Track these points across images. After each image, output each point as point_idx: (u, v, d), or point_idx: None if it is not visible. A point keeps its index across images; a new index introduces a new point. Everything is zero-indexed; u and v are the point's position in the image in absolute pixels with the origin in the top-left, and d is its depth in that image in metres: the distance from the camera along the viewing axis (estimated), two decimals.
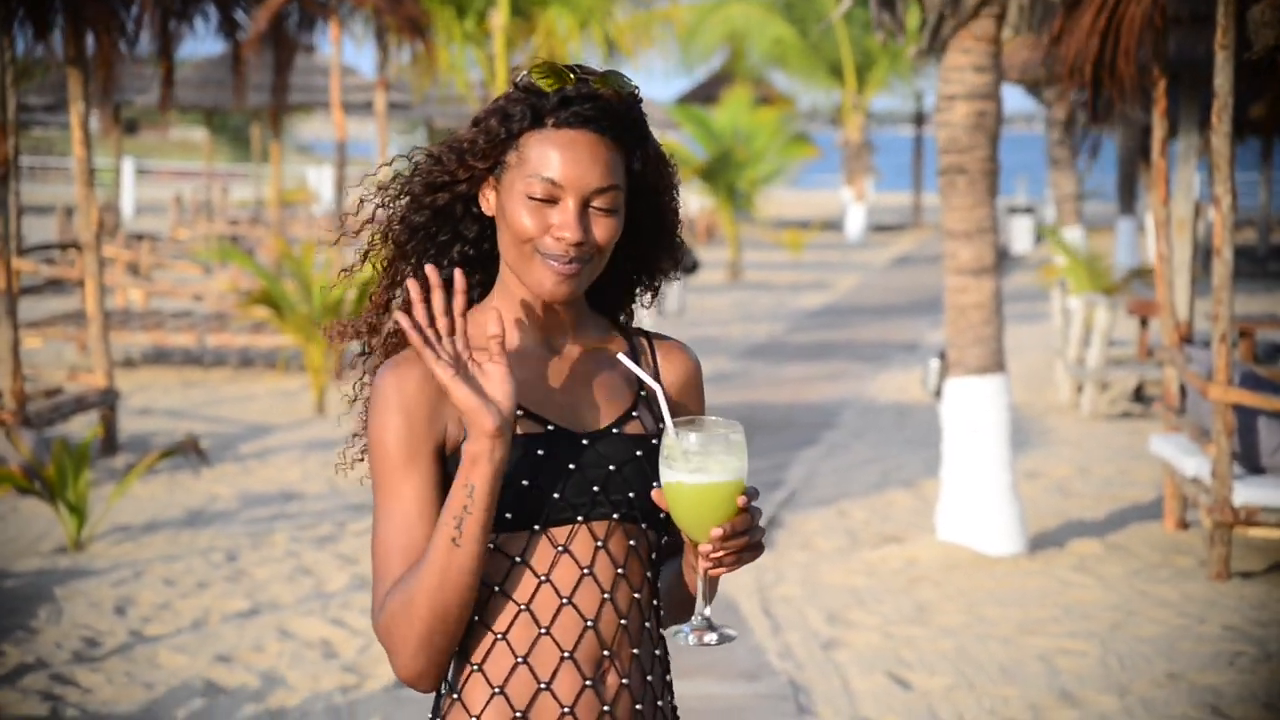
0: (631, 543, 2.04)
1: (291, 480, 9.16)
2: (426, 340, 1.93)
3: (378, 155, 18.64)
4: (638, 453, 2.04)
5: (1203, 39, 7.55)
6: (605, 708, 2.01)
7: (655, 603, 2.09)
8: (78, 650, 5.98)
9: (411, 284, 1.97)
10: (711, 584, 2.01)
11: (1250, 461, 7.18)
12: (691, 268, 18.81)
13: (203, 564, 7.25)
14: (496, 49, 18.00)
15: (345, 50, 20.71)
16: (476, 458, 1.92)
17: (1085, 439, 10.51)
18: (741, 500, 1.92)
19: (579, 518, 2.01)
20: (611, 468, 2.03)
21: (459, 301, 1.96)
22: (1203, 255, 18.10)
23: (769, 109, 25.18)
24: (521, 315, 2.08)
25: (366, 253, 2.16)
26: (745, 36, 32.47)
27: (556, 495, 1.99)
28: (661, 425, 2.03)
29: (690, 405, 2.16)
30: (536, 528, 2.00)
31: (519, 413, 2.02)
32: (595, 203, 2.02)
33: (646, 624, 2.06)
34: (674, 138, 27.09)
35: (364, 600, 6.63)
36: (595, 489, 2.02)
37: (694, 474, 1.90)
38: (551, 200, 2.02)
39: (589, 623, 2.00)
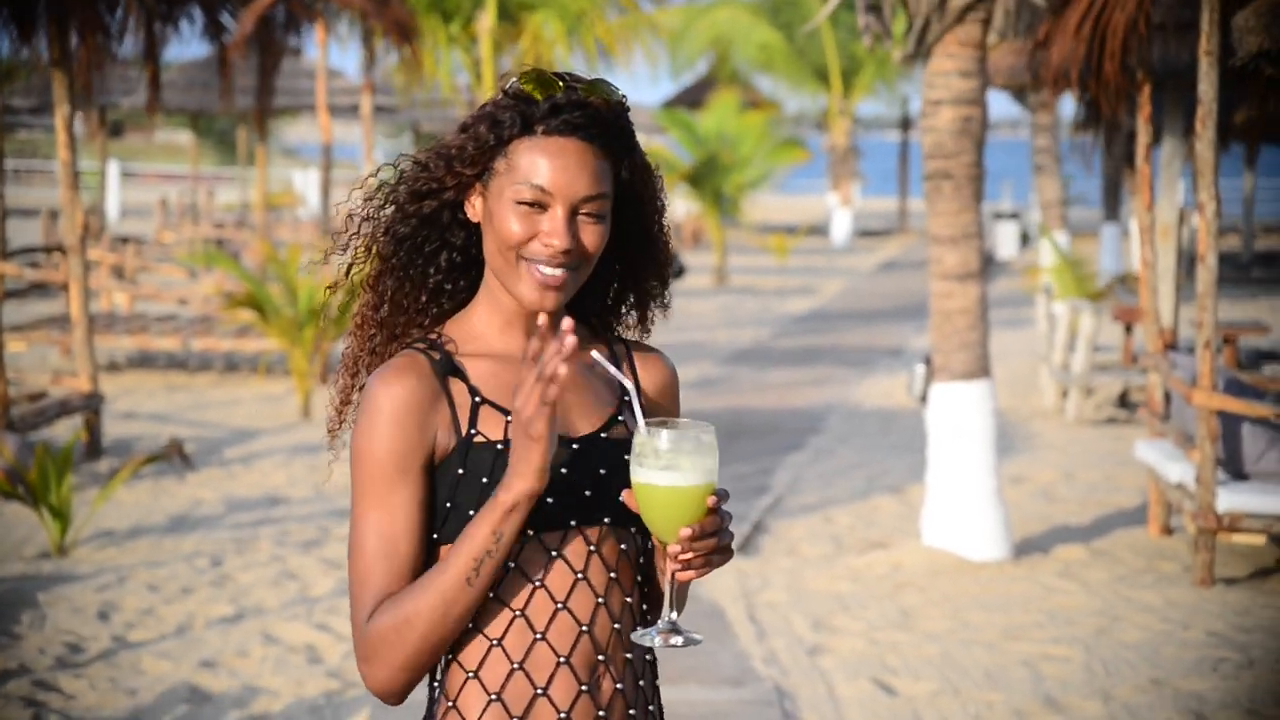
0: (623, 547, 2.04)
1: (276, 485, 9.14)
2: (540, 378, 1.89)
3: (364, 158, 18.62)
4: (626, 457, 2.04)
5: (1187, 45, 7.58)
6: (600, 713, 2.02)
7: (645, 606, 2.09)
8: (61, 656, 5.95)
9: (545, 320, 1.98)
10: (681, 589, 2.01)
11: (1234, 467, 7.20)
12: (677, 273, 18.84)
13: (187, 569, 7.23)
14: (483, 53, 17.99)
15: (331, 53, 20.69)
16: (514, 509, 1.93)
17: (1070, 444, 10.53)
18: (711, 501, 1.91)
19: (572, 522, 2.02)
20: (603, 472, 2.03)
21: (569, 343, 1.91)
22: (1187, 261, 18.15)
23: (756, 113, 25.19)
24: (506, 321, 2.09)
25: (350, 268, 2.15)
26: (731, 41, 32.50)
27: (550, 500, 1.99)
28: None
29: (667, 412, 2.17)
30: (530, 533, 2.00)
31: (509, 418, 2.03)
32: (584, 210, 2.03)
33: (637, 627, 2.06)
34: (660, 142, 27.10)
35: (349, 605, 6.61)
36: (587, 493, 2.02)
37: (664, 472, 1.89)
38: (540, 207, 2.02)
39: (584, 627, 2.01)
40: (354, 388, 2.14)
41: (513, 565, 2.00)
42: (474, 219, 2.09)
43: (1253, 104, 9.72)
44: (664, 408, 2.17)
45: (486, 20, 17.67)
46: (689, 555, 1.92)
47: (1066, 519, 8.32)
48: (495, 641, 2.00)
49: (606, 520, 2.02)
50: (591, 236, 2.03)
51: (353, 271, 2.15)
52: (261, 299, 11.55)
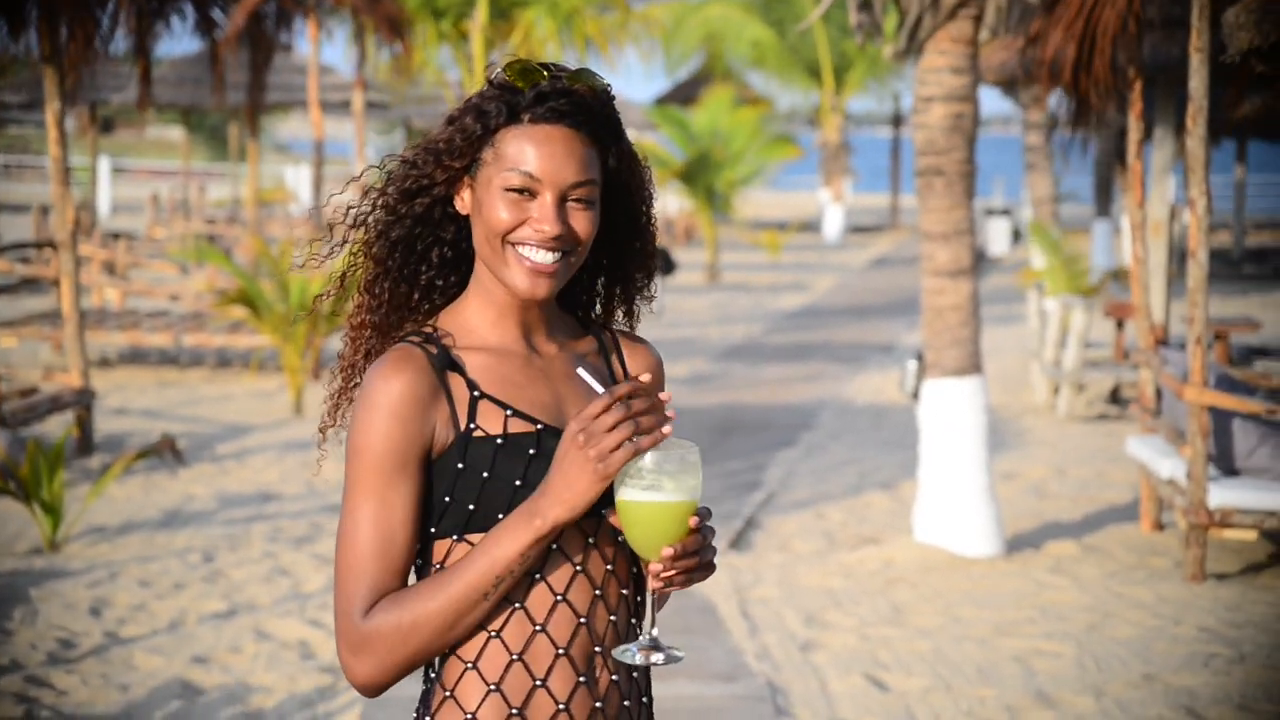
0: (620, 539, 2.05)
1: (269, 481, 9.14)
2: (638, 425, 1.92)
3: (355, 155, 18.60)
4: None
5: (1177, 42, 7.59)
6: (597, 703, 2.03)
7: (639, 598, 2.10)
8: (53, 652, 5.95)
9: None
10: (660, 601, 2.03)
11: (1225, 463, 7.22)
12: (669, 269, 18.83)
13: (179, 565, 7.23)
14: (475, 49, 17.98)
15: (323, 49, 20.66)
16: (544, 536, 1.95)
17: (1061, 441, 10.55)
18: (693, 521, 1.93)
19: None
20: None
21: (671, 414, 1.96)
22: (1178, 258, 18.18)
23: (748, 110, 25.18)
24: (498, 314, 2.09)
25: (343, 275, 2.15)
26: (723, 38, 32.48)
27: (541, 490, 1.99)
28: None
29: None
30: None
31: (508, 411, 2.03)
32: (573, 196, 2.04)
33: (632, 620, 2.08)
34: (652, 139, 27.10)
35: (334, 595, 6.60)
36: None
37: (647, 492, 1.90)
38: (529, 194, 2.03)
39: (582, 619, 2.02)
40: (348, 389, 2.14)
41: None
42: (463, 212, 2.09)
43: (1243, 100, 9.74)
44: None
45: (479, 17, 17.66)
46: (670, 573, 1.94)
47: (1058, 515, 8.33)
48: (494, 633, 2.00)
49: (604, 512, 2.02)
50: (582, 222, 2.04)
51: (347, 278, 2.15)
52: (253, 295, 11.54)
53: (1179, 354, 7.47)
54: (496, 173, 2.03)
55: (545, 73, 2.05)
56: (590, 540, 2.03)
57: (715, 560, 2.00)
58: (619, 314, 2.22)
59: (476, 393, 2.03)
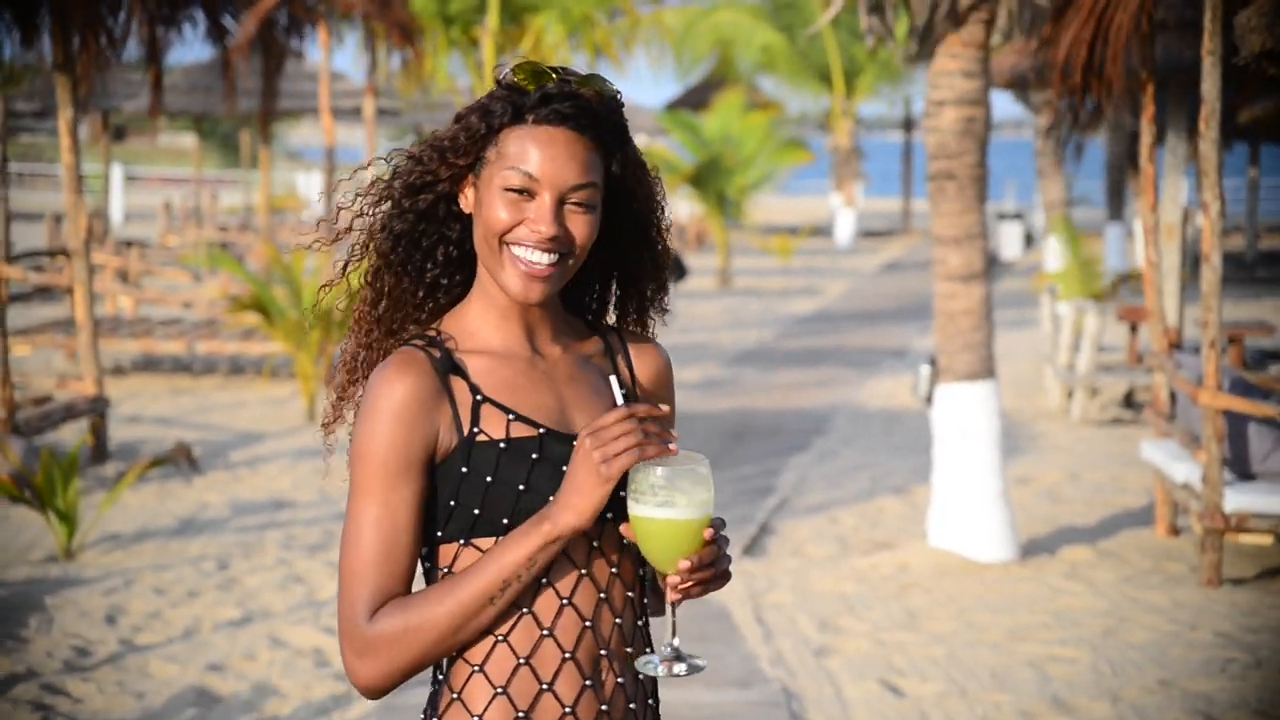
0: (625, 542, 2.06)
1: (282, 488, 9.15)
2: (645, 429, 1.95)
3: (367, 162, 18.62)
4: None
5: (1190, 45, 7.58)
6: (603, 707, 2.04)
7: (645, 600, 2.11)
8: (69, 660, 5.96)
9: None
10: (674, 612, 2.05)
11: (1240, 467, 7.20)
12: (680, 275, 18.83)
13: (194, 572, 7.23)
14: (486, 55, 18.00)
15: (334, 56, 20.70)
16: (554, 541, 1.96)
17: (1075, 445, 10.52)
18: (708, 533, 1.95)
19: None
20: None
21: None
22: (1191, 261, 18.14)
23: (759, 114, 25.18)
24: (500, 316, 2.09)
25: (346, 265, 2.16)
26: (734, 43, 32.48)
27: (553, 499, 2.00)
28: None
29: (662, 399, 2.19)
30: None
31: (510, 416, 2.03)
32: (572, 199, 2.04)
33: (639, 622, 2.09)
34: (663, 144, 27.10)
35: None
36: None
37: (661, 508, 1.92)
38: (528, 194, 2.03)
39: (587, 623, 2.03)
40: (350, 384, 2.15)
41: None
42: (466, 210, 2.10)
43: (1256, 103, 9.72)
44: (660, 396, 2.19)
45: (489, 23, 17.68)
46: (687, 585, 1.96)
47: (1072, 520, 8.31)
48: (501, 637, 2.01)
49: (609, 515, 2.03)
50: (580, 226, 2.04)
51: (349, 270, 2.15)
52: (266, 302, 11.56)
53: (1193, 358, 7.45)
54: (497, 171, 2.04)
55: (554, 75, 2.06)
56: (595, 544, 2.04)
57: (730, 568, 2.01)
58: (631, 322, 2.22)
59: (479, 397, 2.04)
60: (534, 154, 2.02)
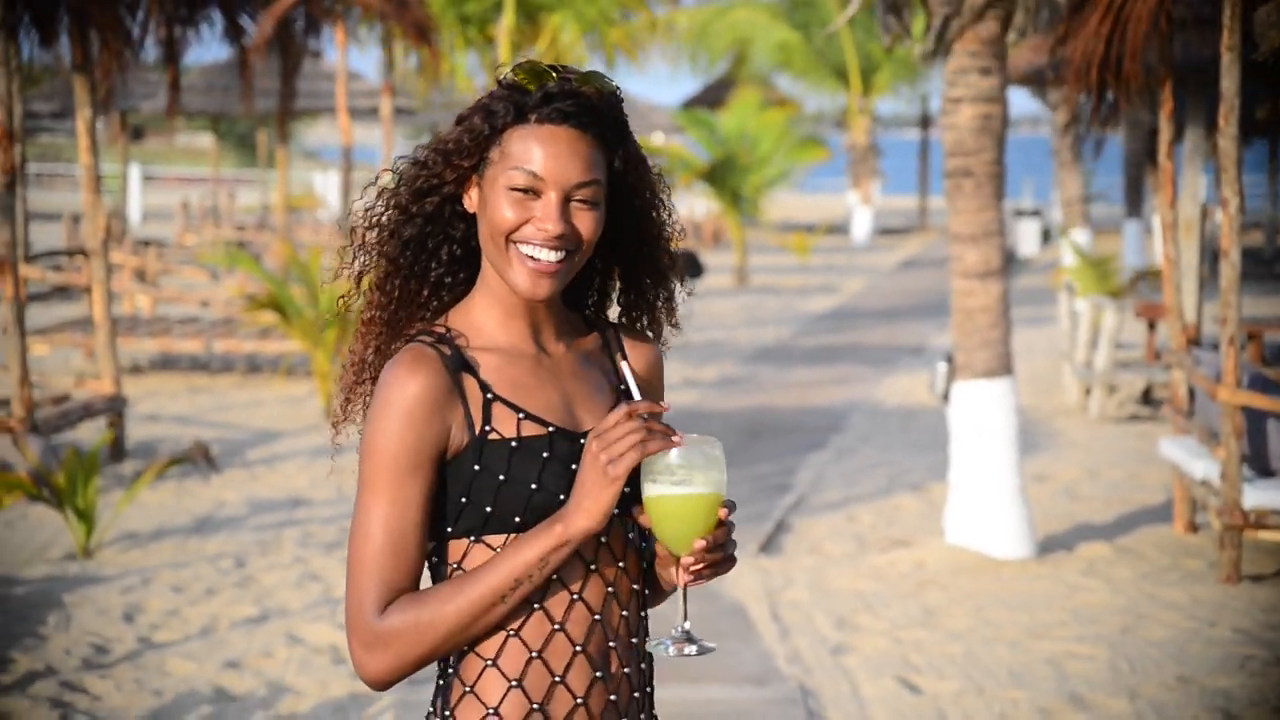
0: (630, 535, 2.09)
1: (299, 486, 9.17)
2: (649, 428, 1.97)
3: (383, 160, 18.66)
4: None
5: (1209, 41, 7.55)
6: (611, 697, 2.07)
7: (646, 592, 2.15)
8: (87, 657, 5.98)
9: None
10: (668, 595, 2.09)
11: (1259, 464, 7.17)
12: (698, 272, 18.82)
13: (211, 570, 7.25)
14: (501, 54, 18.01)
15: (351, 56, 20.76)
16: (566, 543, 1.98)
17: (1093, 442, 10.50)
18: (723, 512, 1.98)
19: None
20: None
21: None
22: (1210, 257, 18.07)
23: (776, 112, 25.16)
24: (505, 313, 2.11)
25: (360, 275, 2.17)
26: (750, 41, 32.48)
27: (563, 497, 2.03)
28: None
29: (655, 392, 2.22)
30: None
31: (520, 415, 2.04)
32: (577, 196, 2.05)
33: (642, 613, 2.12)
34: (680, 142, 27.08)
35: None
36: None
37: (678, 486, 1.96)
38: (533, 193, 2.05)
39: (597, 616, 2.06)
40: (358, 385, 2.15)
41: None
42: (471, 210, 2.12)
43: (1275, 99, 9.68)
44: (654, 390, 2.22)
45: (505, 22, 17.69)
46: (700, 565, 1.99)
47: (1090, 517, 8.29)
48: (513, 632, 2.03)
49: (615, 511, 2.04)
50: (586, 223, 2.06)
51: (363, 280, 2.17)
52: (283, 301, 11.58)
53: (1212, 354, 7.43)
54: (502, 171, 2.06)
55: (554, 74, 2.08)
56: (602, 540, 2.07)
57: (736, 554, 2.05)
58: (641, 323, 2.23)
59: (490, 395, 2.05)
60: (538, 153, 2.04)
